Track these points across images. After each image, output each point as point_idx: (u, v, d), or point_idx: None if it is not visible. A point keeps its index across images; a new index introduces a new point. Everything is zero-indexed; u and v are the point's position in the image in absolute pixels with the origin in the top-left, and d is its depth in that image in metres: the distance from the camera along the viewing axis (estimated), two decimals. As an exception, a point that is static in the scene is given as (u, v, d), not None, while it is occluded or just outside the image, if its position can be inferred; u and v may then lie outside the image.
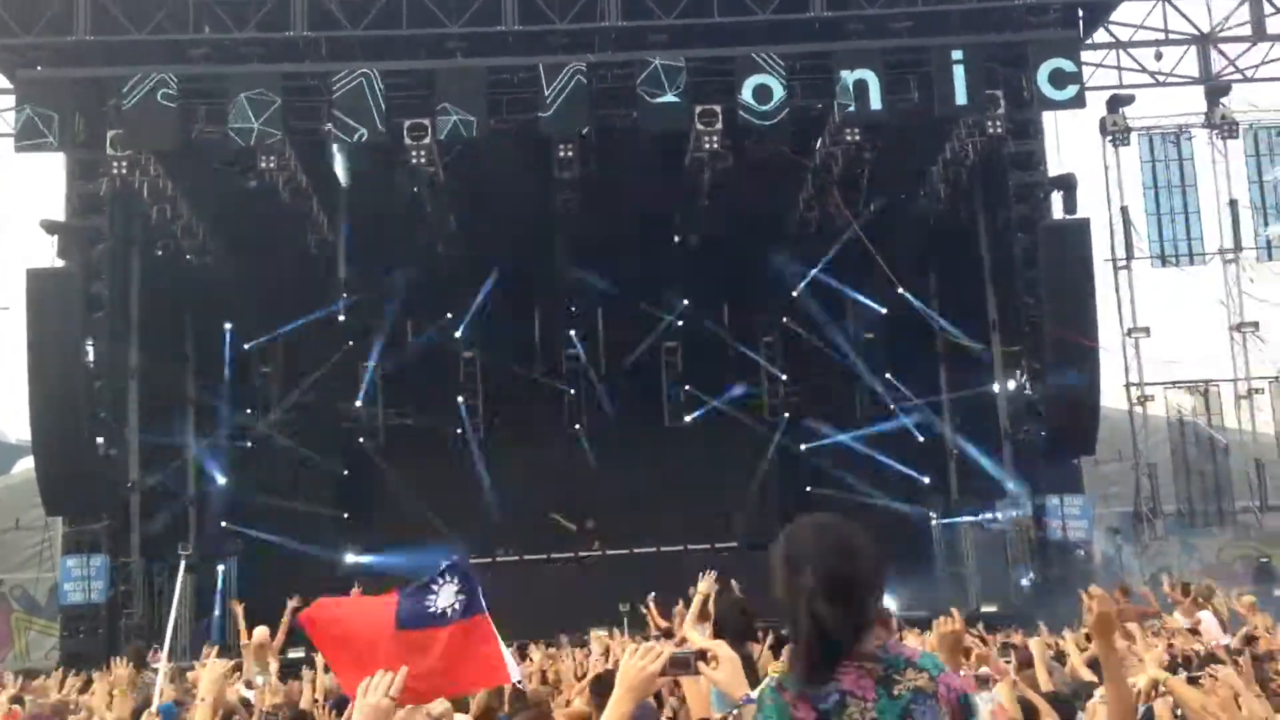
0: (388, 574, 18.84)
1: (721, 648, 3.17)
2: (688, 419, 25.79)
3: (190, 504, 23.16)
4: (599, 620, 16.15)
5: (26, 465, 23.02)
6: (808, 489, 24.10)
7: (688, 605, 7.77)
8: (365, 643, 4.30)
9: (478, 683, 5.04)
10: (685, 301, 25.33)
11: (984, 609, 19.67)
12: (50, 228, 19.55)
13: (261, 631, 11.00)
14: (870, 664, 2.67)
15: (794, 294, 24.27)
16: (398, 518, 23.28)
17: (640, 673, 3.07)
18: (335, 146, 19.33)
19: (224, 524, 23.10)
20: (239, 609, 12.00)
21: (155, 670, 8.73)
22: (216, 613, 21.60)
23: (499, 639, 4.45)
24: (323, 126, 18.70)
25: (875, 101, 18.45)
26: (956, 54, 18.52)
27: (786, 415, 26.19)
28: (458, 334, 24.96)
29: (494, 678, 4.61)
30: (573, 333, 25.64)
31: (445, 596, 4.77)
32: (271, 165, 18.68)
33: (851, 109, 18.50)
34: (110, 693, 7.30)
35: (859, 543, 2.72)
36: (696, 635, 6.34)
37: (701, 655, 3.12)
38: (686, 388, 25.93)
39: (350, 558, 23.91)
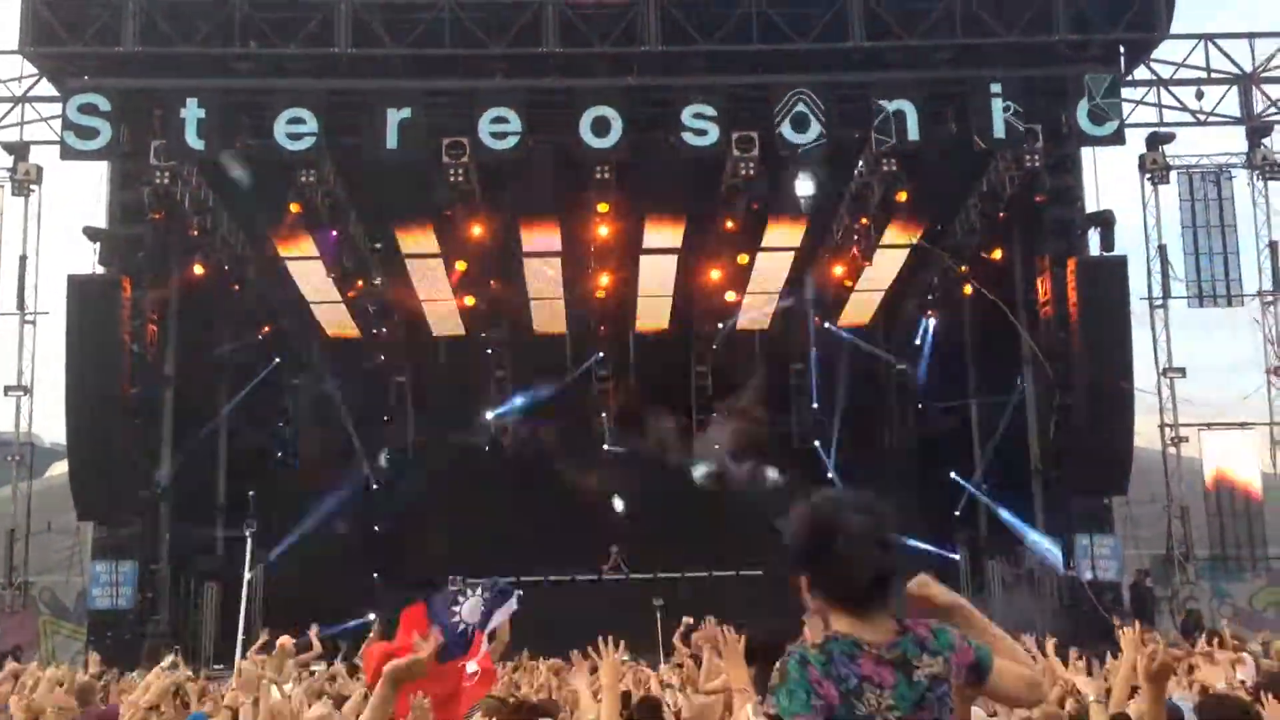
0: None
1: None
2: (715, 446, 25.65)
3: (219, 513, 23.25)
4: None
5: (61, 469, 23.29)
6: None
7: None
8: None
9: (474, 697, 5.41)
10: (719, 325, 25.29)
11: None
12: (92, 235, 19.86)
13: (285, 639, 11.19)
14: (888, 653, 2.81)
15: (826, 324, 24.16)
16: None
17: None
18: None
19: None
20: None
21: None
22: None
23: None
24: (362, 142, 18.85)
25: (913, 132, 18.42)
26: (995, 87, 18.46)
27: (816, 444, 26.04)
28: (489, 351, 25.14)
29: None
30: (602, 354, 25.66)
31: (469, 610, 4.97)
32: (311, 179, 18.89)
33: (890, 139, 18.49)
34: None
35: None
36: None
37: None
38: (715, 414, 25.84)
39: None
